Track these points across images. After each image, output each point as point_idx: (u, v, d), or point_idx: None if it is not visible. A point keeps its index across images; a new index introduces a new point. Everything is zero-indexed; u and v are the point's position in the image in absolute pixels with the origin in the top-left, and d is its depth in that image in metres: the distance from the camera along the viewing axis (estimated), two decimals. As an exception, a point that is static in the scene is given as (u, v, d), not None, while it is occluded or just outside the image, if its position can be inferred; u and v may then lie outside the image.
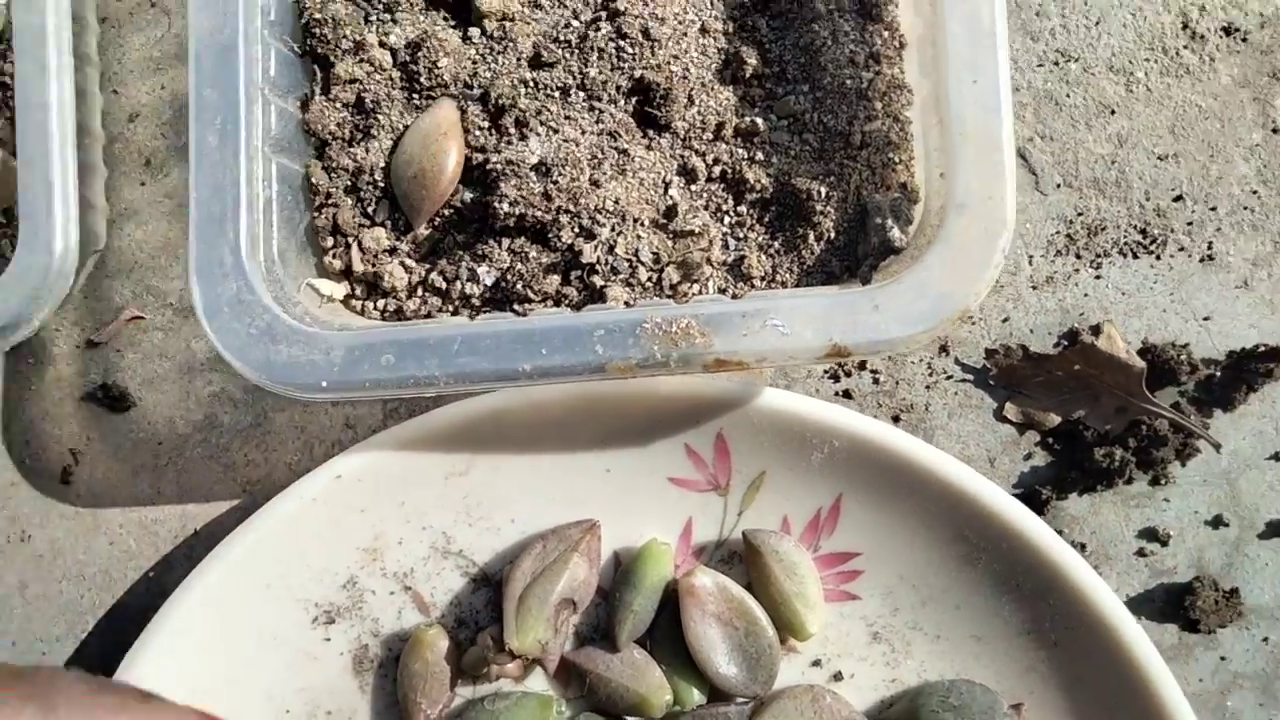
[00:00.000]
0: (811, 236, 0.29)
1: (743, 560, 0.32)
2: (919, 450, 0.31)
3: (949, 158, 0.27)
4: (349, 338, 0.28)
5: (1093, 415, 0.33)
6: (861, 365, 0.34)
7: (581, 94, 0.29)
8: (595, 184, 0.29)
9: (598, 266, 0.29)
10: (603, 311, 0.28)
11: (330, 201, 0.31)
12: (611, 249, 0.29)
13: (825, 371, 0.34)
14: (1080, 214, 0.34)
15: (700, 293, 0.29)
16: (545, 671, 0.32)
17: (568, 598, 0.31)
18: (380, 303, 0.30)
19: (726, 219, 0.29)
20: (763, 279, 0.29)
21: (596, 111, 0.29)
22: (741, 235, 0.29)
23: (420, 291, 0.30)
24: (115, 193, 0.35)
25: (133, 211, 0.35)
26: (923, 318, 0.27)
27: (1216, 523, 0.34)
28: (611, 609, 0.32)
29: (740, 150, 0.29)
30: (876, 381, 0.34)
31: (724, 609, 0.31)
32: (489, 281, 0.30)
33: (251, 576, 0.32)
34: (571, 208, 0.29)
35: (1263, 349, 0.33)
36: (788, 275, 0.29)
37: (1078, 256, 0.34)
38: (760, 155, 0.29)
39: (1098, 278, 0.34)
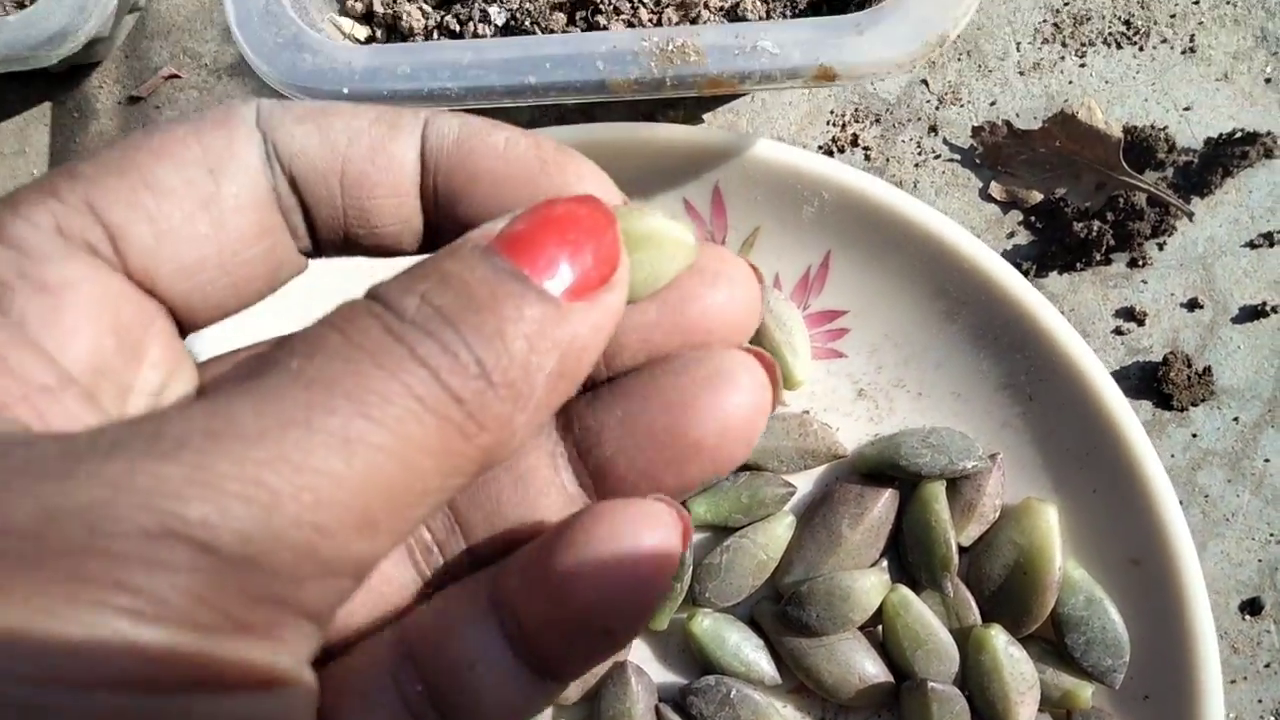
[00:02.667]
0: (806, -22, 0.31)
1: (733, 316, 0.34)
2: (906, 203, 0.32)
3: (937, -107, 0.28)
4: (369, 50, 0.29)
5: (1073, 192, 0.35)
6: (854, 141, 0.35)
7: None
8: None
9: (601, 5, 0.31)
10: (604, 33, 0.30)
11: (356, -48, 0.33)
12: (617, -8, 0.31)
13: (820, 146, 0.35)
14: (1067, 3, 0.35)
15: (700, 34, 0.31)
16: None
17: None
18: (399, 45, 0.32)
19: (727, -36, 0.31)
20: (759, 21, 0.31)
21: None
22: (740, -20, 0.31)
23: (436, 35, 0.32)
24: (155, -34, 0.37)
25: (171, -15, 0.37)
26: (904, 40, 0.28)
27: (1192, 305, 0.35)
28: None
29: (742, -100, 0.31)
30: (868, 158, 0.35)
31: (713, 348, 0.33)
32: (500, 22, 0.32)
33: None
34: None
35: (1239, 134, 0.34)
36: (781, 19, 0.31)
37: (1064, 45, 0.35)
38: (761, -96, 0.31)
39: (1082, 66, 0.35)
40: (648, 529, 0.14)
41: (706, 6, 0.31)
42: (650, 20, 0.31)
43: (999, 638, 0.31)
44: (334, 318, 0.12)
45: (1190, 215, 0.34)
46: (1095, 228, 0.34)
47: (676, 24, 0.31)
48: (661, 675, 0.33)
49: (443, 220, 0.16)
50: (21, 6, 0.33)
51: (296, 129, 0.15)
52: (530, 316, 0.12)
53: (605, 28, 0.31)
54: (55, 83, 0.37)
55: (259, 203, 0.15)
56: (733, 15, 0.31)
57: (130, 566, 0.10)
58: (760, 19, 0.31)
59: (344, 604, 0.12)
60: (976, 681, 0.31)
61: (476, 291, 0.12)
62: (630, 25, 0.31)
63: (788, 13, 0.31)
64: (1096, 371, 0.32)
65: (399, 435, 0.11)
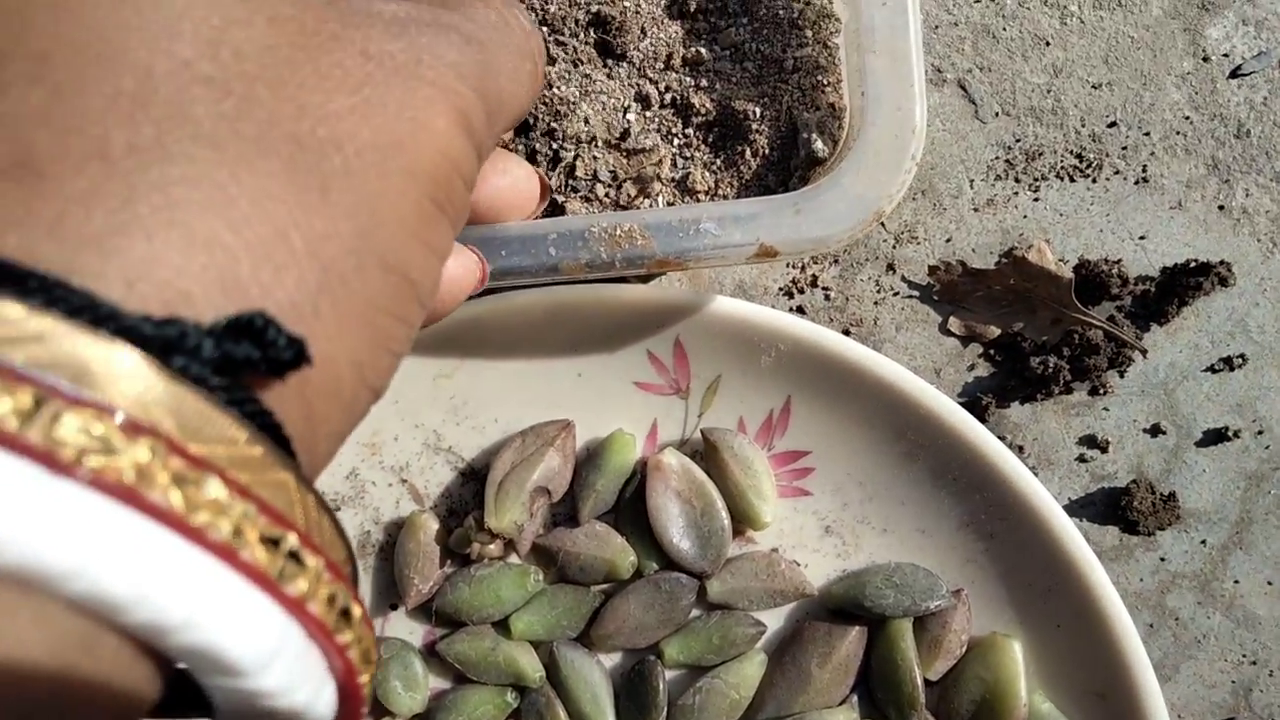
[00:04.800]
0: (749, 153, 0.32)
1: (703, 458, 0.36)
2: (859, 353, 0.34)
3: (864, 76, 0.30)
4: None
5: (1030, 327, 0.36)
6: (814, 282, 0.37)
7: (546, 29, 0.33)
8: (570, 104, 0.33)
9: (561, 188, 0.33)
10: (556, 219, 0.32)
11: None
12: (572, 172, 0.33)
13: (780, 289, 0.37)
14: (1019, 140, 0.36)
15: (652, 206, 0.33)
16: (518, 554, 0.36)
17: (542, 486, 0.35)
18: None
19: (676, 140, 0.33)
20: (706, 193, 0.33)
21: (561, 45, 0.33)
22: (689, 155, 0.33)
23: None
24: None
25: None
26: (840, 218, 0.30)
27: (1155, 431, 0.36)
28: (576, 489, 0.35)
29: (688, 78, 0.33)
30: (828, 298, 0.37)
31: (685, 488, 0.34)
32: (468, 200, 0.34)
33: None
34: (555, 126, 0.33)
35: (1194, 264, 0.35)
36: (728, 189, 0.33)
37: (1017, 180, 0.36)
38: (704, 82, 0.33)
39: (1036, 200, 0.36)
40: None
41: (658, 179, 0.33)
42: (608, 195, 0.33)
43: (964, 777, 0.32)
44: None
45: (1144, 352, 0.35)
46: (1052, 363, 0.35)
47: (634, 197, 0.33)
48: (640, 815, 0.34)
49: None
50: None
51: None
52: None
53: (563, 205, 0.33)
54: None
55: None
56: (683, 187, 0.33)
57: None
58: (708, 190, 0.33)
59: None
60: (943, 820, 0.32)
61: None
62: (587, 200, 0.33)
63: (734, 182, 0.33)
64: (1053, 511, 0.33)
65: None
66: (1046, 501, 0.33)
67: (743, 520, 0.35)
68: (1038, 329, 0.36)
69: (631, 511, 0.35)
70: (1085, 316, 0.35)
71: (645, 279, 0.37)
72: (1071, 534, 0.32)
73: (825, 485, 0.35)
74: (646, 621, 0.34)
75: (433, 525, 0.36)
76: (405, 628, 0.36)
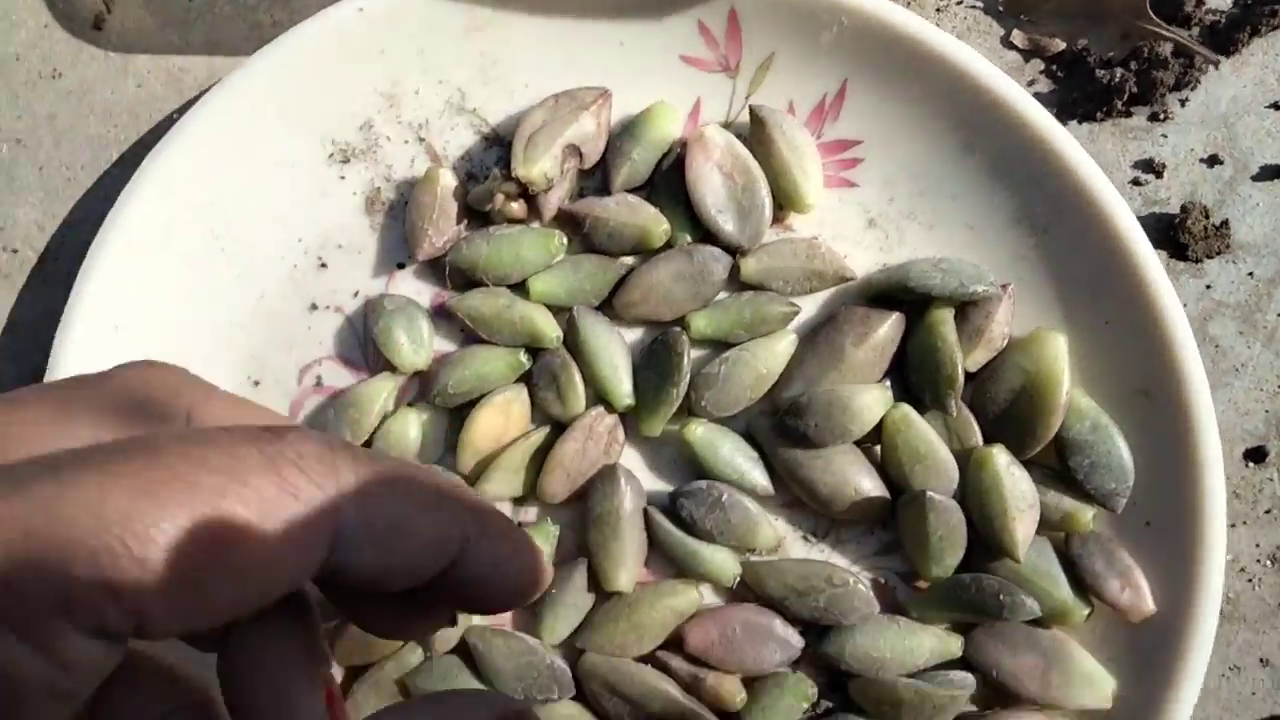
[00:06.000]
0: None
1: (747, 140, 0.33)
2: (927, 31, 0.32)
3: None
4: None
5: (1097, 42, 0.34)
6: (877, -22, 0.35)
7: None
8: None
9: None
10: None
11: None
12: None
13: (842, -18, 0.35)
14: None
15: None
16: (541, 217, 0.33)
17: (574, 144, 0.33)
18: None
19: None
20: None
21: None
22: None
23: None
24: None
25: None
26: None
27: (1211, 161, 0.34)
28: (609, 157, 0.33)
29: None
30: None
31: (727, 161, 0.32)
32: None
33: (269, 101, 0.33)
34: None
35: (1269, -10, 0.34)
36: None
37: (1094, -105, 0.35)
38: None
39: (1112, -83, 0.35)
40: None
41: None
42: None
43: (1000, 456, 0.30)
44: None
45: (1216, 64, 0.34)
46: (1118, 75, 0.34)
47: None
48: (652, 483, 0.32)
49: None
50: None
51: None
52: None
53: None
54: None
55: None
56: None
57: None
58: None
59: None
60: (975, 499, 0.30)
61: None
62: None
63: None
64: (1115, 202, 0.31)
65: None
66: (1110, 193, 0.31)
67: (785, 202, 0.33)
68: (1105, 44, 0.34)
69: (666, 184, 0.33)
70: (1159, 28, 0.33)
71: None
72: (1132, 224, 0.31)
73: (874, 176, 0.33)
74: (674, 293, 0.32)
75: (451, 180, 0.33)
76: (412, 288, 0.33)
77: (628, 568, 0.30)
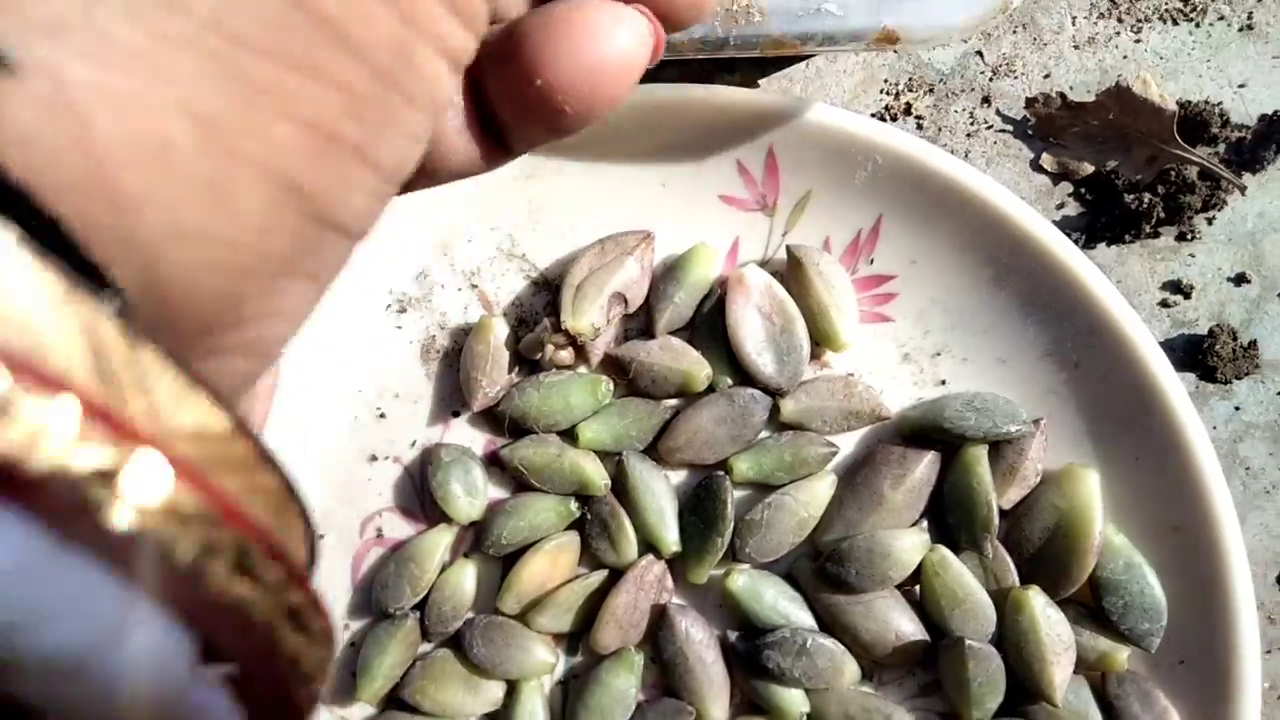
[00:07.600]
0: (868, -56, 0.31)
1: (784, 278, 0.35)
2: (958, 168, 0.33)
3: None
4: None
5: (1125, 165, 0.35)
6: (907, 110, 0.36)
7: None
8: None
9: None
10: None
11: None
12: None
13: (872, 114, 0.36)
14: (1125, -23, 0.35)
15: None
16: (588, 363, 0.35)
17: (620, 292, 0.34)
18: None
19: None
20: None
21: None
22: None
23: None
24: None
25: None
26: (967, 6, 0.29)
27: (1239, 280, 0.35)
28: (652, 301, 0.34)
29: None
30: (920, 127, 0.36)
31: (766, 303, 0.33)
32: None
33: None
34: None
35: (1294, 111, 0.34)
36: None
37: (1119, 20, 0.36)
38: None
39: (1137, 41, 0.35)
40: (622, 27, 0.16)
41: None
42: (713, -17, 0.32)
43: (1037, 599, 0.31)
44: None
45: (1243, 189, 0.34)
46: (1146, 199, 0.34)
47: (740, -14, 0.32)
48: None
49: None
50: None
51: None
52: None
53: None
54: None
55: None
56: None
57: None
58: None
59: None
60: (1013, 641, 0.31)
61: None
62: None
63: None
64: (1143, 337, 0.32)
65: None
66: (1139, 328, 0.32)
67: (822, 340, 0.34)
68: (1132, 167, 0.35)
69: (708, 327, 0.34)
70: (1185, 153, 0.34)
71: (743, 84, 0.36)
72: (1162, 362, 0.32)
73: (908, 311, 0.35)
74: (717, 436, 0.33)
75: (503, 329, 0.35)
76: (466, 436, 0.35)
77: (717, 702, 0.32)
